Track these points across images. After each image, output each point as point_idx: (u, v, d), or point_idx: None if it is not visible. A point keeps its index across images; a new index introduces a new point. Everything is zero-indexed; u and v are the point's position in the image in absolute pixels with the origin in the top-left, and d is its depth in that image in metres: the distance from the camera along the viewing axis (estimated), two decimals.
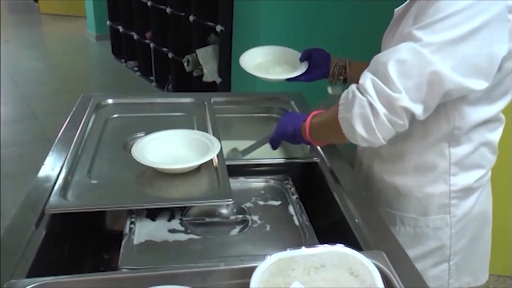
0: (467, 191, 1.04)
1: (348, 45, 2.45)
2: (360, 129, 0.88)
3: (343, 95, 0.93)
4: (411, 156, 1.03)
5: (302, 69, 1.31)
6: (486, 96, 0.93)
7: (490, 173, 1.09)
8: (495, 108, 0.96)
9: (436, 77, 0.82)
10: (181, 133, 1.10)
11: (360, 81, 0.88)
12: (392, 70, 0.83)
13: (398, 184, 1.07)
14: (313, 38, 2.77)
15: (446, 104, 0.93)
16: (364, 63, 1.23)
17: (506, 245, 2.18)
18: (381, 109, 0.85)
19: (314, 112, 1.06)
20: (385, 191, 1.10)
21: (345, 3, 2.81)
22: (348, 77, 1.29)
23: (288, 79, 1.30)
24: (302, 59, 1.34)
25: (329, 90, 1.32)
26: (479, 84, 0.85)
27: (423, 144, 1.00)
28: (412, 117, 0.87)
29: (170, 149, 1.05)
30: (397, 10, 1.03)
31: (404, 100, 0.83)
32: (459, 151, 0.99)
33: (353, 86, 0.90)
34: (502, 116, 1.02)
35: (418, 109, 0.85)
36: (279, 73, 1.34)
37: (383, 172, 1.10)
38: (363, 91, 0.87)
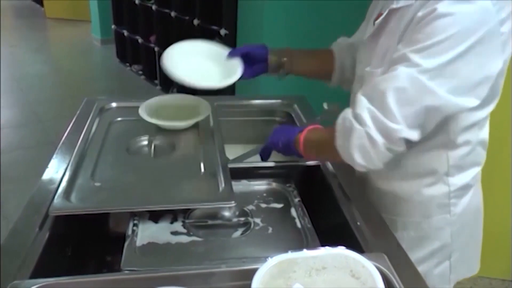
0: (464, 189, 1.05)
1: None
2: (358, 158, 0.88)
3: (339, 121, 0.91)
4: (408, 161, 1.01)
5: (237, 69, 1.18)
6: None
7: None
8: (486, 111, 0.96)
9: (434, 103, 0.82)
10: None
11: (357, 110, 0.87)
12: (391, 99, 0.82)
13: (396, 190, 1.06)
14: (316, 41, 2.77)
15: None
16: (307, 52, 1.29)
17: (508, 248, 2.16)
18: (380, 140, 0.85)
19: (310, 127, 1.04)
20: (383, 198, 1.09)
21: (348, 6, 2.82)
22: (291, 70, 1.24)
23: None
24: (232, 55, 1.22)
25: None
26: (472, 102, 0.85)
27: (420, 149, 0.98)
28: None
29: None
30: (378, 22, 0.98)
31: (404, 131, 0.84)
32: (457, 153, 0.99)
33: (349, 114, 0.88)
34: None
35: (415, 136, 0.86)
36: (215, 77, 1.18)
37: (379, 180, 1.09)
38: (360, 121, 0.86)
